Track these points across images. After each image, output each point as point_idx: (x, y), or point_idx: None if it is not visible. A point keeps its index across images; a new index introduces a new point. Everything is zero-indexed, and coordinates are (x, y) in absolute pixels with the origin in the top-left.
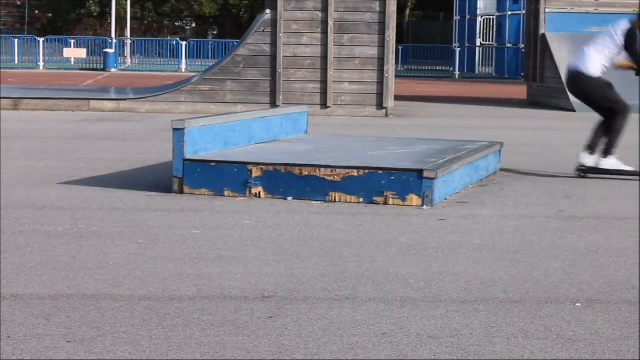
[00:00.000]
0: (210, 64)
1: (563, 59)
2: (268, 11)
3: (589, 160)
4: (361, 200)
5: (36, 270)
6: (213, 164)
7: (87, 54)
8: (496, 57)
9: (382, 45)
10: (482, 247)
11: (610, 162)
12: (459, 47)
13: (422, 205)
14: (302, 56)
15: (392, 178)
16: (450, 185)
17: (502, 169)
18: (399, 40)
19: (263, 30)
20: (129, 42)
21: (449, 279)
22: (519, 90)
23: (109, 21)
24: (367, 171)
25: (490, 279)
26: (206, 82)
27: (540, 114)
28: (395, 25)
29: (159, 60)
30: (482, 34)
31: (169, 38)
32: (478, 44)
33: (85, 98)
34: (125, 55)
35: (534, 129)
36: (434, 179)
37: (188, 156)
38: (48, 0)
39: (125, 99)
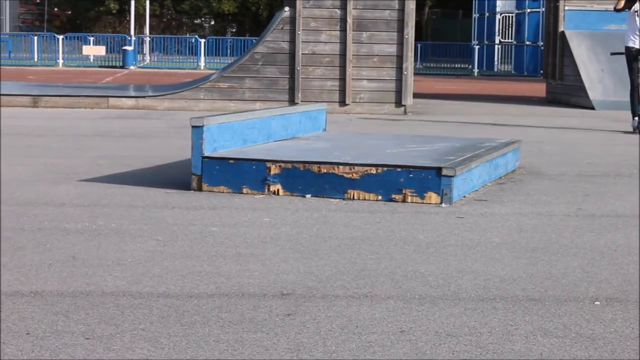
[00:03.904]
0: (229, 61)
1: (582, 57)
2: (287, 8)
3: None
4: (380, 197)
5: (55, 267)
6: (232, 161)
7: (106, 51)
8: (515, 55)
9: (400, 42)
10: (501, 245)
11: None
12: (477, 44)
13: (441, 203)
14: (321, 54)
15: (411, 176)
16: (469, 183)
17: (520, 167)
18: (418, 37)
19: (282, 28)
20: (147, 39)
21: (467, 276)
22: (538, 88)
23: (127, 18)
24: (385, 169)
25: (509, 277)
26: (225, 80)
27: (560, 112)
28: (414, 23)
29: (177, 57)
30: (501, 31)
31: (187, 35)
32: (497, 41)
33: (105, 95)
34: (144, 52)
35: (553, 127)
36: (452, 176)
37: (207, 153)
38: None
39: (144, 97)
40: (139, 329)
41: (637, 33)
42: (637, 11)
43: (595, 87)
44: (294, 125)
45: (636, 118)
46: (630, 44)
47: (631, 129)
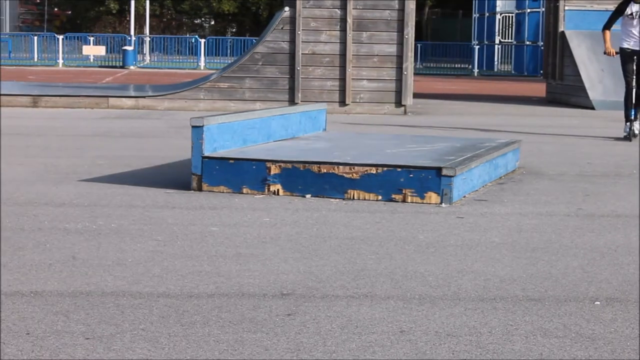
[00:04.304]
0: (229, 61)
1: (582, 57)
2: (287, 8)
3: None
4: (380, 197)
5: (55, 267)
6: (232, 161)
7: (106, 51)
8: (515, 55)
9: (400, 42)
10: (501, 245)
11: None
12: (477, 44)
13: (441, 203)
14: (321, 54)
15: (411, 176)
16: (469, 183)
17: (520, 167)
18: (418, 37)
19: (282, 28)
20: (147, 39)
21: (467, 276)
22: (538, 88)
23: (127, 18)
24: (385, 169)
25: (509, 277)
26: (225, 80)
27: (560, 112)
28: (414, 23)
29: (177, 57)
30: (501, 31)
31: (187, 35)
32: (497, 41)
33: (104, 95)
34: (144, 52)
35: (553, 127)
36: (452, 176)
37: (207, 153)
38: None
39: (144, 97)
40: (139, 329)
41: (632, 35)
42: (631, 14)
43: (595, 87)
44: (294, 125)
45: (628, 123)
46: (625, 45)
47: (623, 135)
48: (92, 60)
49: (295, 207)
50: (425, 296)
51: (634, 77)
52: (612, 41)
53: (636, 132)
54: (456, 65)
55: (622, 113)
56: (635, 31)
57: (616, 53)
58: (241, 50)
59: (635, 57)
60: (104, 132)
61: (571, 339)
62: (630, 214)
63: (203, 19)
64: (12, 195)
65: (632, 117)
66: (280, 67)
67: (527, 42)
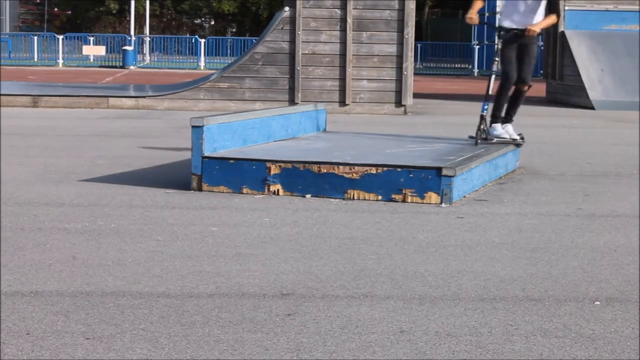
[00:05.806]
0: (229, 61)
1: (582, 57)
2: (287, 8)
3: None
4: (380, 197)
5: (55, 267)
6: (232, 161)
7: (106, 51)
8: None
9: (400, 42)
10: (501, 245)
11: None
12: (477, 44)
13: (441, 203)
14: (321, 54)
15: (411, 176)
16: (469, 183)
17: (520, 167)
18: (418, 37)
19: (282, 28)
20: (147, 39)
21: (467, 276)
22: (538, 88)
23: (127, 19)
24: (385, 169)
25: (509, 277)
26: (225, 80)
27: (559, 112)
28: (414, 23)
29: (177, 57)
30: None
31: (187, 35)
32: (497, 41)
33: (104, 95)
34: (144, 52)
35: (552, 127)
36: (452, 176)
37: (207, 153)
38: None
39: (144, 97)
40: (139, 329)
41: (516, 12)
42: None
43: (595, 87)
44: (294, 125)
45: (496, 125)
46: (507, 24)
47: (477, 135)
48: (92, 60)
49: (295, 207)
50: (425, 296)
51: (516, 66)
52: (614, 42)
53: (505, 136)
54: (456, 65)
55: (622, 113)
56: (521, 7)
57: (499, 30)
58: (241, 50)
59: (518, 39)
60: (104, 132)
61: (571, 339)
62: (630, 214)
63: (203, 19)
64: (12, 195)
65: (503, 115)
66: (280, 67)
67: None
